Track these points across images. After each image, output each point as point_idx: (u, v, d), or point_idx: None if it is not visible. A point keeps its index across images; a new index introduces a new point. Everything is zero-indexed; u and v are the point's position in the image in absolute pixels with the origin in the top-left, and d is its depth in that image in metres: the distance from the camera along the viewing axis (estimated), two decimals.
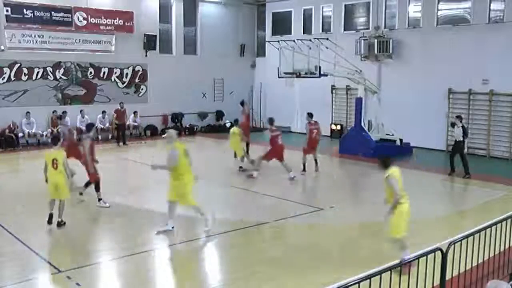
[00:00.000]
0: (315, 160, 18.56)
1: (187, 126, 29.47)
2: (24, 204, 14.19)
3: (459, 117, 18.07)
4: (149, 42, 27.98)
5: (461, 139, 17.61)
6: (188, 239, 11.39)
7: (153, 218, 13.06)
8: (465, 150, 17.85)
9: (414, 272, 6.78)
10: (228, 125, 29.01)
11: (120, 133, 25.26)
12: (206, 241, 11.47)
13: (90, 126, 14.84)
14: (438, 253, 7.09)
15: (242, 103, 22.36)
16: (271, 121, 17.88)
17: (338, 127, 27.90)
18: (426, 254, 7.02)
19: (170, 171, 11.36)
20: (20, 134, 24.05)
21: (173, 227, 11.58)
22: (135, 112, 27.42)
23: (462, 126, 17.80)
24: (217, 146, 23.52)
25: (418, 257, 6.88)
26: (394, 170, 9.20)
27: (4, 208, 13.84)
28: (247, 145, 20.27)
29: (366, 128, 23.27)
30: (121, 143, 24.99)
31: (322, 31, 28.44)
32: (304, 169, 18.11)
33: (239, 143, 19.08)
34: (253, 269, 9.48)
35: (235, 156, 19.66)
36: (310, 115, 18.78)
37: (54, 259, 9.99)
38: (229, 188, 16.44)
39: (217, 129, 29.91)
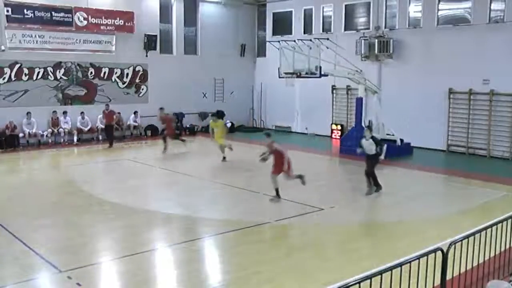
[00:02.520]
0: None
1: (188, 126, 29.47)
2: (24, 203, 14.22)
3: (369, 128, 16.04)
4: (150, 42, 27.98)
5: (374, 152, 15.09)
6: (188, 239, 11.38)
7: (152, 218, 13.09)
8: (382, 158, 15.53)
9: (415, 272, 6.77)
10: (229, 125, 29.06)
11: (108, 135, 25.18)
12: (206, 241, 11.49)
13: None
14: (439, 253, 7.09)
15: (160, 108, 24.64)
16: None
17: (339, 127, 27.89)
18: (426, 254, 7.01)
19: None
20: (21, 134, 24.06)
21: None
22: (135, 112, 27.46)
23: (372, 137, 15.28)
24: (214, 146, 23.46)
25: (418, 257, 6.87)
26: None
27: (3, 208, 13.85)
28: (165, 138, 23.13)
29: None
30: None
31: (323, 31, 28.44)
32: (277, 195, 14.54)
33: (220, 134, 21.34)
34: (254, 269, 9.48)
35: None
36: (267, 134, 14.98)
37: (54, 259, 9.98)
38: (229, 188, 16.43)
39: None
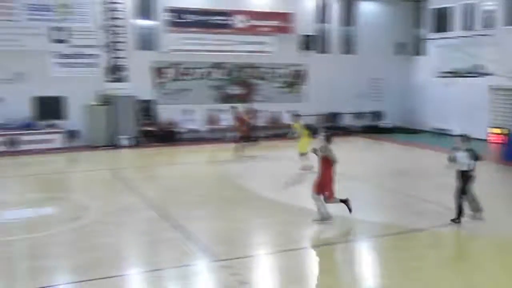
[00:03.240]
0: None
1: (343, 126, 29.17)
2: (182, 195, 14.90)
3: (464, 137, 12.55)
4: (307, 42, 28.33)
5: (465, 168, 12.09)
6: (341, 240, 11.30)
7: (307, 216, 13.07)
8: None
9: None
10: (387, 126, 28.58)
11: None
12: (360, 243, 11.36)
13: None
14: None
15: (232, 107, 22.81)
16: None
17: (499, 131, 25.94)
18: None
19: None
20: (181, 130, 25.41)
21: None
22: (288, 112, 27.47)
23: (468, 149, 12.23)
24: (372, 147, 22.98)
25: None
26: None
27: (164, 198, 14.69)
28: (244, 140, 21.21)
29: None
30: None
31: (485, 27, 26.82)
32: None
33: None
34: (401, 277, 9.19)
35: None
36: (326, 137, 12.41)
37: (211, 248, 10.39)
38: (384, 191, 16.05)
39: (374, 130, 29.30)
